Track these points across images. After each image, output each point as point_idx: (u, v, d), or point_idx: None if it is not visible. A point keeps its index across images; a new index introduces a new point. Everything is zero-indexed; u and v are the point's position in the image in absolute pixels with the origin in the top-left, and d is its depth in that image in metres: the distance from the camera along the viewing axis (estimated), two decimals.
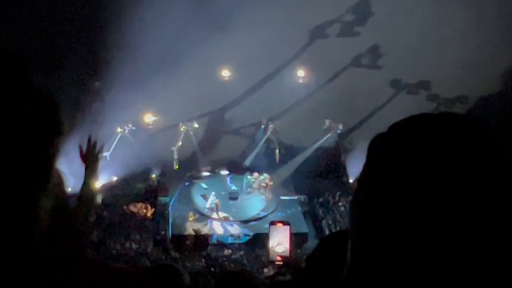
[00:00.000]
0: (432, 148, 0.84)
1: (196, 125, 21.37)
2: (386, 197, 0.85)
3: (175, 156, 21.33)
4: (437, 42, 20.43)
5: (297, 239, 18.33)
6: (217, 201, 20.11)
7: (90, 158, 3.46)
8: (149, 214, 19.97)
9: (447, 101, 21.50)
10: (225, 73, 21.27)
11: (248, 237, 19.13)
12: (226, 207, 20.25)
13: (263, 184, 21.03)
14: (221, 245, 19.02)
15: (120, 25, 18.58)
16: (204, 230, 19.38)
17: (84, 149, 3.49)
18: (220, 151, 22.34)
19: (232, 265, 17.74)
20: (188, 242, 18.87)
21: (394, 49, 20.98)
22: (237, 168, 21.97)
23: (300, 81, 21.66)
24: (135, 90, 19.44)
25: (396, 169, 0.85)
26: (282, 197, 20.88)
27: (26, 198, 0.99)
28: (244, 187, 21.21)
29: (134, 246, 18.54)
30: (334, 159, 21.75)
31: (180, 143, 21.23)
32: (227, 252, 18.76)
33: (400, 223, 0.83)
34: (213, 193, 20.53)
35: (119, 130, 20.79)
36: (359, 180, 0.94)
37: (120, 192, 20.48)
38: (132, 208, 20.02)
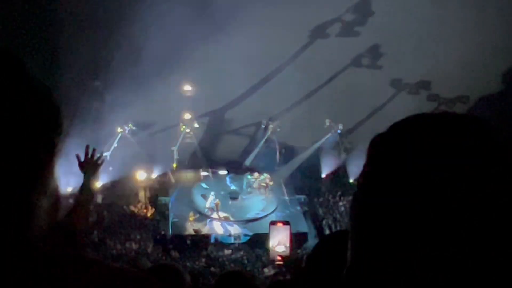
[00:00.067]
0: (432, 148, 0.84)
1: (196, 125, 21.37)
2: (386, 197, 0.85)
3: (175, 156, 21.34)
4: (437, 42, 20.44)
5: (297, 238, 18.37)
6: (217, 201, 20.12)
7: (88, 167, 3.47)
8: (149, 214, 19.98)
9: (447, 101, 21.51)
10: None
11: (247, 237, 19.14)
12: (226, 207, 20.26)
13: (263, 184, 21.03)
14: (221, 245, 19.03)
15: (120, 25, 18.60)
16: (204, 230, 19.39)
17: (82, 158, 3.50)
18: (220, 151, 22.34)
19: (232, 265, 17.74)
20: (188, 242, 18.89)
21: (394, 49, 20.99)
22: (237, 168, 21.98)
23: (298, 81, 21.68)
24: (135, 90, 19.45)
25: (396, 169, 0.85)
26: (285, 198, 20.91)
27: (25, 198, 0.99)
28: (244, 187, 21.22)
29: (134, 246, 18.55)
30: (334, 159, 21.75)
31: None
32: (227, 252, 18.77)
33: (400, 223, 0.83)
34: (212, 192, 20.54)
35: (119, 130, 20.79)
36: (359, 180, 0.94)
37: (120, 192, 20.49)
38: (132, 208, 20.03)
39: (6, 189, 0.96)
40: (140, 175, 21.03)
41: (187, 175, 21.58)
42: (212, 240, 19.01)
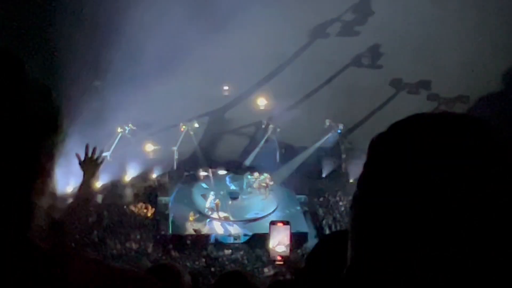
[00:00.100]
0: (432, 148, 0.84)
1: (196, 125, 21.37)
2: (386, 197, 0.85)
3: (175, 156, 21.34)
4: (438, 42, 20.45)
5: (297, 238, 18.36)
6: (217, 201, 20.12)
7: (88, 166, 3.47)
8: (149, 214, 19.98)
9: (447, 101, 21.51)
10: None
11: (247, 237, 19.14)
12: (226, 207, 20.25)
13: (264, 184, 21.02)
14: (221, 245, 19.03)
15: (120, 25, 18.60)
16: (204, 230, 19.39)
17: (82, 156, 3.50)
18: (220, 151, 22.34)
19: (232, 265, 17.74)
20: (188, 242, 18.89)
21: (394, 49, 21.00)
22: (237, 168, 21.98)
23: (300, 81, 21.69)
24: (135, 90, 19.45)
25: (396, 169, 0.85)
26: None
27: (25, 198, 0.99)
28: (244, 187, 21.22)
29: (134, 245, 18.55)
30: (335, 159, 21.75)
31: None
32: (227, 252, 18.77)
33: (400, 223, 0.83)
34: (212, 192, 20.55)
35: (119, 130, 20.79)
36: (359, 180, 0.94)
37: (121, 192, 20.49)
38: (132, 208, 20.03)
39: (6, 189, 0.96)
40: (140, 175, 21.04)
41: (185, 174, 21.55)
42: (212, 240, 19.00)
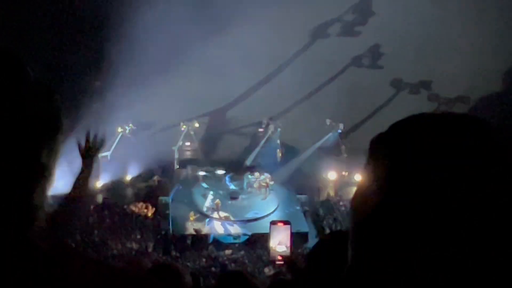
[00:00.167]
0: (432, 148, 0.84)
1: (196, 125, 21.37)
2: (386, 197, 0.85)
3: (176, 156, 21.34)
4: (438, 42, 20.45)
5: (297, 238, 18.37)
6: (217, 200, 20.12)
7: (88, 153, 3.44)
8: (150, 214, 19.98)
9: (447, 101, 21.51)
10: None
11: (246, 237, 19.13)
12: (226, 207, 20.26)
13: (264, 184, 21.02)
14: (222, 245, 19.03)
15: (120, 25, 18.60)
16: (205, 229, 19.40)
17: (83, 144, 3.48)
18: (220, 150, 22.35)
19: (232, 265, 17.75)
20: (188, 241, 18.90)
21: (395, 49, 21.00)
22: (238, 168, 21.99)
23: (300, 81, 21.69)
24: (135, 90, 19.46)
25: (396, 169, 0.85)
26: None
27: (26, 198, 0.99)
28: (245, 187, 21.22)
29: (134, 245, 18.56)
30: (335, 159, 21.75)
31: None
32: (227, 252, 18.77)
33: (400, 223, 0.83)
34: (211, 192, 20.55)
35: (119, 130, 20.79)
36: (359, 180, 0.94)
37: (121, 192, 20.50)
38: (133, 207, 20.03)
39: (6, 189, 0.96)
40: (141, 175, 21.05)
41: (183, 174, 21.56)
42: (211, 240, 19.00)
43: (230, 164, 22.11)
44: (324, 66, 21.22)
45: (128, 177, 21.06)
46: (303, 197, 21.15)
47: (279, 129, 21.60)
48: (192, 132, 21.36)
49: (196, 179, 21.54)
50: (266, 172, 21.25)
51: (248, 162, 22.13)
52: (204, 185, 21.28)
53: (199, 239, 19.01)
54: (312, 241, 18.50)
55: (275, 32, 20.01)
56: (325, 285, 1.84)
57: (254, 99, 21.61)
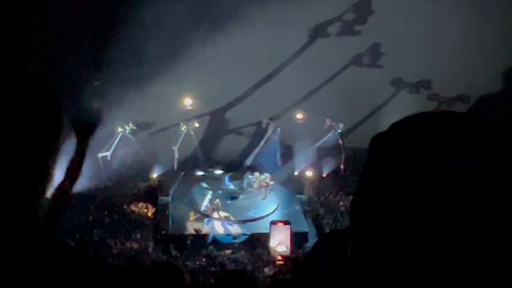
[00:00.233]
0: (432, 148, 0.84)
1: (196, 125, 21.37)
2: (386, 197, 0.85)
3: (176, 156, 21.34)
4: (438, 42, 20.44)
5: (297, 238, 18.38)
6: (217, 200, 20.13)
7: (81, 129, 3.41)
8: (149, 214, 19.99)
9: (448, 100, 21.51)
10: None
11: (246, 236, 19.13)
12: (226, 207, 20.26)
13: (264, 184, 21.03)
14: (222, 244, 19.04)
15: (120, 25, 18.60)
16: (205, 229, 19.40)
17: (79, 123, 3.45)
18: (220, 151, 22.35)
19: (232, 265, 17.75)
20: (188, 241, 18.90)
21: (395, 48, 20.99)
22: (238, 168, 21.99)
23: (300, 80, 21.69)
24: (135, 90, 19.45)
25: (396, 169, 0.86)
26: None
27: (26, 198, 0.99)
28: (245, 187, 21.23)
29: (134, 245, 18.56)
30: (334, 159, 21.75)
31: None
32: (227, 251, 18.77)
33: (400, 223, 0.83)
34: (210, 192, 20.57)
35: (119, 129, 20.79)
36: (359, 179, 0.94)
37: (121, 192, 20.50)
38: (133, 207, 20.04)
39: (7, 189, 0.96)
40: (141, 175, 21.06)
41: (181, 174, 21.56)
42: (210, 240, 19.00)
43: (230, 164, 22.12)
44: (324, 65, 21.22)
45: (128, 177, 21.07)
46: (303, 197, 21.15)
47: (279, 129, 21.60)
48: (192, 132, 21.36)
49: (196, 179, 21.55)
50: (266, 172, 21.25)
51: (248, 162, 22.13)
52: (204, 185, 21.28)
53: (199, 239, 19.01)
54: (312, 241, 18.50)
55: (275, 32, 20.00)
56: (325, 285, 1.84)
57: (254, 99, 21.60)
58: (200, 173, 21.67)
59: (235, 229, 19.56)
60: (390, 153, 0.88)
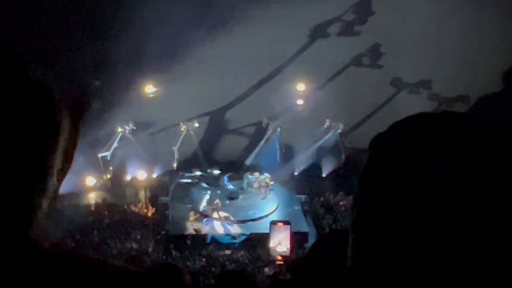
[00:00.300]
0: (432, 148, 0.84)
1: (196, 125, 21.37)
2: (386, 197, 0.85)
3: (176, 156, 21.34)
4: (438, 42, 20.44)
5: (297, 238, 18.38)
6: (217, 200, 20.13)
7: (74, 108, 3.38)
8: (149, 214, 19.98)
9: (448, 100, 21.51)
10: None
11: (245, 236, 19.13)
12: (225, 207, 20.26)
13: (264, 184, 21.03)
14: (222, 245, 19.04)
15: (120, 25, 18.60)
16: (205, 229, 19.40)
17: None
18: (220, 151, 22.35)
19: (232, 265, 17.75)
20: (188, 241, 18.90)
21: (395, 48, 20.99)
22: (238, 168, 21.99)
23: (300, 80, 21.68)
24: (135, 90, 19.46)
25: (396, 169, 0.86)
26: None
27: (26, 198, 0.99)
28: (245, 187, 21.23)
29: (134, 245, 18.56)
30: (335, 159, 21.76)
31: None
32: (227, 251, 18.78)
33: (400, 223, 0.83)
34: (208, 192, 20.58)
35: (119, 129, 20.79)
36: (359, 179, 0.94)
37: (121, 192, 20.50)
38: (133, 207, 20.04)
39: (7, 189, 0.96)
40: (140, 175, 21.06)
41: (180, 174, 21.55)
42: (209, 240, 19.00)
43: (230, 164, 22.11)
44: (324, 66, 21.22)
45: (128, 177, 21.06)
46: (303, 197, 21.15)
47: (279, 129, 21.60)
48: (192, 132, 21.36)
49: (195, 179, 21.55)
50: (266, 172, 21.25)
51: (247, 162, 22.13)
52: (204, 185, 21.28)
53: (199, 239, 19.01)
54: (312, 241, 18.50)
55: (275, 32, 20.00)
56: (325, 285, 1.84)
57: (254, 99, 21.60)
58: (198, 173, 21.68)
59: (235, 229, 19.56)
60: (390, 153, 0.88)
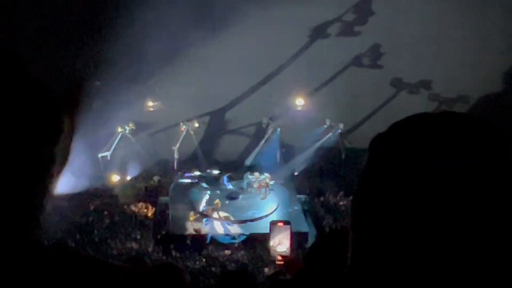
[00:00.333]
0: (432, 148, 0.84)
1: (196, 125, 21.38)
2: (386, 197, 0.85)
3: (176, 156, 21.35)
4: (438, 42, 20.45)
5: (297, 238, 18.37)
6: (217, 200, 20.13)
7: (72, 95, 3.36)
8: (149, 214, 19.98)
9: (448, 100, 21.51)
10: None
11: (244, 236, 19.13)
12: (225, 207, 20.26)
13: (264, 184, 21.03)
14: (222, 245, 19.04)
15: (120, 25, 18.60)
16: (205, 229, 19.40)
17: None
18: (220, 151, 22.36)
19: (232, 265, 17.75)
20: (188, 241, 18.90)
21: (395, 48, 21.00)
22: (238, 168, 21.99)
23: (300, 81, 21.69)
24: (135, 90, 19.46)
25: (396, 169, 0.86)
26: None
27: (26, 198, 0.99)
28: (245, 187, 21.23)
29: (134, 245, 18.56)
30: (335, 159, 21.76)
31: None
32: (227, 252, 18.77)
33: (400, 223, 0.83)
34: (208, 192, 20.58)
35: (119, 129, 20.81)
36: (359, 179, 0.94)
37: (121, 192, 20.51)
38: (133, 207, 20.04)
39: (7, 189, 0.96)
40: (141, 175, 21.07)
41: (178, 174, 21.56)
42: (208, 240, 19.00)
43: (230, 164, 22.12)
44: (324, 66, 21.23)
45: (128, 177, 21.07)
46: (303, 197, 21.15)
47: (279, 129, 21.60)
48: (192, 132, 21.37)
49: (195, 179, 21.56)
50: (266, 172, 21.25)
51: (247, 162, 22.13)
52: (204, 185, 21.29)
53: (199, 239, 19.01)
54: (312, 241, 18.49)
55: (275, 32, 20.01)
56: (325, 285, 1.84)
57: (254, 99, 21.61)
58: (198, 173, 21.68)
59: (234, 229, 19.55)
60: (390, 153, 0.88)
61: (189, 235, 19.07)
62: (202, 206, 20.17)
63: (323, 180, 21.67)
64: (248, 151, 22.29)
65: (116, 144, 20.68)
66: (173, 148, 21.15)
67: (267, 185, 20.97)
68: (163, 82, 20.00)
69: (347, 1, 21.37)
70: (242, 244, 19.02)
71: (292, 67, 21.45)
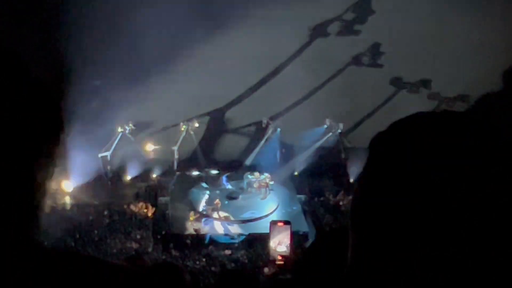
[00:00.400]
0: (432, 148, 0.84)
1: (196, 124, 21.38)
2: (386, 197, 0.85)
3: (176, 156, 21.35)
4: (438, 42, 20.45)
5: (297, 238, 18.37)
6: (217, 200, 20.13)
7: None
8: (149, 214, 19.98)
9: (448, 100, 21.51)
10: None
11: (244, 236, 19.13)
12: (225, 207, 20.26)
13: (264, 184, 21.03)
14: (222, 244, 19.04)
15: (120, 24, 18.60)
16: (205, 229, 19.41)
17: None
18: (220, 151, 22.36)
19: (232, 264, 17.75)
20: (188, 241, 18.90)
21: (395, 48, 21.00)
22: (238, 168, 21.99)
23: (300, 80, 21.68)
24: (135, 90, 19.46)
25: (396, 169, 0.85)
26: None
27: (26, 198, 0.99)
28: (245, 187, 21.23)
29: (134, 245, 18.56)
30: (335, 159, 21.76)
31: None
32: (227, 251, 18.77)
33: (400, 223, 0.83)
34: (208, 192, 20.57)
35: (119, 129, 20.81)
36: (359, 179, 0.94)
37: (121, 192, 20.51)
38: (133, 207, 20.04)
39: (7, 189, 0.96)
40: (140, 175, 21.05)
41: (177, 174, 21.56)
42: (207, 240, 19.00)
43: (229, 164, 22.12)
44: (324, 65, 21.22)
45: (128, 177, 21.07)
46: (303, 197, 21.15)
47: (279, 129, 21.60)
48: (192, 132, 21.37)
49: (195, 179, 21.56)
50: (266, 172, 21.25)
51: (247, 162, 22.13)
52: (204, 185, 21.29)
53: (199, 239, 19.01)
54: (312, 241, 18.48)
55: (275, 32, 20.00)
56: (324, 285, 1.83)
57: (254, 99, 21.60)
58: (196, 173, 21.69)
59: (234, 229, 19.56)
60: (390, 153, 0.88)
61: (189, 235, 19.08)
62: (202, 206, 20.17)
63: (323, 180, 21.67)
64: (248, 151, 22.29)
65: (116, 144, 20.67)
66: (173, 148, 21.16)
67: (267, 185, 20.97)
68: (163, 82, 19.98)
69: (347, 1, 21.38)
70: (242, 244, 19.02)
71: (292, 67, 21.45)
